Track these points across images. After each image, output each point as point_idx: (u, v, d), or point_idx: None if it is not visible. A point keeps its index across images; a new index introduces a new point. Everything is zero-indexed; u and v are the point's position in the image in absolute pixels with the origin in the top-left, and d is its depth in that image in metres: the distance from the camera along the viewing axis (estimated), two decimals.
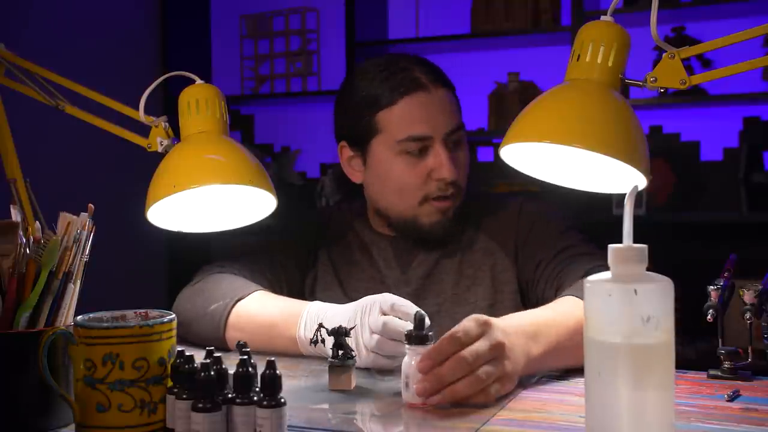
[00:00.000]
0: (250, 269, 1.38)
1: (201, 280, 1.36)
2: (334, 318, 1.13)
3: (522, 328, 1.05)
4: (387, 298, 1.10)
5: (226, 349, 1.23)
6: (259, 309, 1.25)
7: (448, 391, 0.95)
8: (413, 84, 1.35)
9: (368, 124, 1.39)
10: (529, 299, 1.39)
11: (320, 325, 1.13)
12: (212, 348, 0.85)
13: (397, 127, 1.36)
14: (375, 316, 1.08)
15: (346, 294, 1.40)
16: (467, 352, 0.96)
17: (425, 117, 1.35)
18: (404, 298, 1.36)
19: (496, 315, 1.33)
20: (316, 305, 1.20)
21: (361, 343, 1.09)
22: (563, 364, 1.11)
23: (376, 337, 1.07)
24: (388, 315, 1.08)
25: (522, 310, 1.33)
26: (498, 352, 0.98)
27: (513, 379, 1.01)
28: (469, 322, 0.98)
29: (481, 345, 0.97)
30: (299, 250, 1.46)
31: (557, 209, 1.47)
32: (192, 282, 1.38)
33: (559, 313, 1.13)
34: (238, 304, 1.26)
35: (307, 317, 1.18)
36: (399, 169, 1.37)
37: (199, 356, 0.83)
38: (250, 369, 0.80)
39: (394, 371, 1.07)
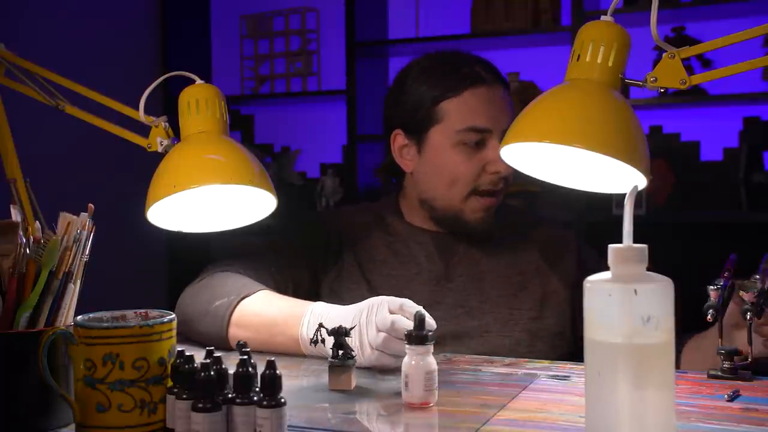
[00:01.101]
0: (255, 268, 1.38)
1: (206, 278, 1.36)
2: (336, 318, 1.13)
3: None
4: (395, 299, 1.11)
5: (227, 348, 1.23)
6: (262, 307, 1.25)
7: None
8: (477, 78, 1.40)
9: (428, 113, 1.42)
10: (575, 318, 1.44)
11: (320, 325, 1.13)
12: (212, 348, 0.85)
13: (457, 117, 1.40)
14: (383, 314, 1.08)
15: (374, 291, 1.40)
16: None
17: (486, 110, 1.39)
18: (445, 292, 1.38)
19: (539, 329, 1.40)
20: (320, 305, 1.20)
21: (366, 341, 1.09)
22: None
23: (382, 335, 1.07)
24: (396, 314, 1.08)
25: (565, 330, 1.43)
26: None
27: None
28: None
29: None
30: (312, 251, 1.46)
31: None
32: (197, 280, 1.38)
33: None
34: (243, 302, 1.26)
35: (311, 317, 1.18)
36: (454, 159, 1.40)
37: (199, 356, 0.83)
38: (250, 369, 0.80)
39: (394, 371, 1.07)
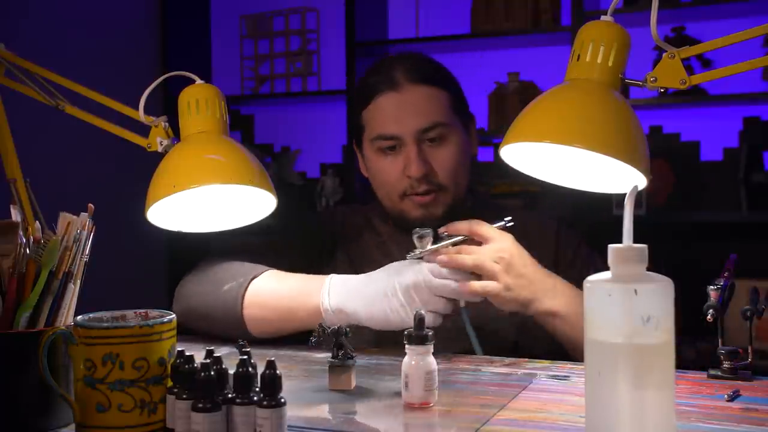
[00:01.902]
0: (251, 260, 1.38)
1: (202, 268, 1.36)
2: (368, 286, 1.19)
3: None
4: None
5: (240, 332, 1.23)
6: (277, 283, 1.27)
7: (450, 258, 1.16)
8: (387, 83, 1.39)
9: (358, 121, 1.46)
10: None
11: (320, 325, 1.13)
12: (212, 348, 0.85)
13: (371, 125, 1.42)
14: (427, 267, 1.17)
15: None
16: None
17: (394, 116, 1.38)
18: None
19: (523, 323, 1.35)
20: (336, 276, 1.23)
21: (423, 280, 1.16)
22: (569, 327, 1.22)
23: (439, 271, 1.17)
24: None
25: None
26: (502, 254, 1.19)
27: (509, 288, 1.18)
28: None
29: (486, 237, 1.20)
30: (310, 251, 1.47)
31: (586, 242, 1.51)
32: (194, 271, 1.37)
33: None
34: (254, 281, 1.26)
35: (330, 286, 1.21)
36: (379, 166, 1.42)
37: (199, 356, 0.84)
38: (250, 369, 0.80)
39: (394, 371, 1.07)
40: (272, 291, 1.25)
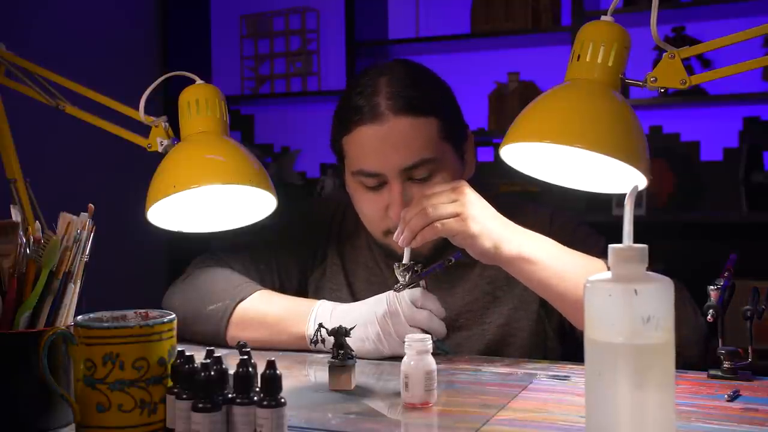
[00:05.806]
0: (242, 262, 1.38)
1: (191, 275, 1.35)
2: (351, 314, 1.17)
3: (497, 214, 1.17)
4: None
5: (224, 347, 1.23)
6: (264, 307, 1.26)
7: (407, 228, 1.14)
8: (370, 113, 1.24)
9: (338, 145, 1.33)
10: (551, 317, 1.32)
11: (320, 325, 1.14)
12: (212, 348, 0.85)
13: (350, 157, 1.29)
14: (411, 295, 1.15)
15: (353, 295, 1.39)
16: (425, 194, 1.15)
17: (376, 152, 1.24)
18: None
19: (510, 335, 1.33)
20: (325, 303, 1.22)
21: (407, 302, 1.15)
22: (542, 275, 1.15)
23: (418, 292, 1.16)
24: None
25: (538, 335, 1.33)
26: (458, 195, 1.13)
27: (475, 220, 1.12)
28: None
29: (439, 188, 1.16)
30: (302, 248, 1.44)
31: (587, 223, 1.40)
32: (182, 276, 1.37)
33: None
34: (240, 305, 1.26)
35: (316, 315, 1.20)
36: (361, 199, 1.31)
37: (199, 356, 0.83)
38: (250, 369, 0.80)
39: (394, 371, 1.07)
40: (259, 315, 1.25)
